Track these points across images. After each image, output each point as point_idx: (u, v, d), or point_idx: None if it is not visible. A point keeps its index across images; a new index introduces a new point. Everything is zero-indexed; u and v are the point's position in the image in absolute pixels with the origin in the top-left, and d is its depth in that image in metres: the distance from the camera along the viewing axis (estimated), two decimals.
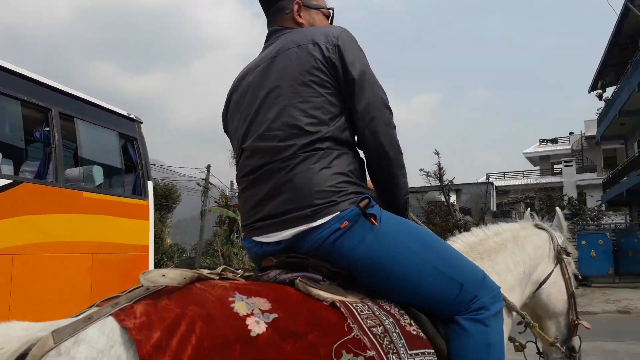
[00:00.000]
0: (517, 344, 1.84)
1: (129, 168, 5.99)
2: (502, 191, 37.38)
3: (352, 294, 1.35)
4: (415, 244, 1.39)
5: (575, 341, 2.05)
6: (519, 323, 1.88)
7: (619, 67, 21.74)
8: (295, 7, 1.60)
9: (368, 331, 1.22)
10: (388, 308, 1.34)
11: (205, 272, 1.22)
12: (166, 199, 25.12)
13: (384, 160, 1.47)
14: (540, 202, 25.34)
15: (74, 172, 5.23)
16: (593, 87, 25.40)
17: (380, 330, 1.24)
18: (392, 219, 1.42)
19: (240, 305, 1.11)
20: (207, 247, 25.34)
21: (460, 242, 1.85)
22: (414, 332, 1.32)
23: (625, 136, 24.70)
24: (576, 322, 2.02)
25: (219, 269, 1.30)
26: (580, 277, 2.20)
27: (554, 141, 42.79)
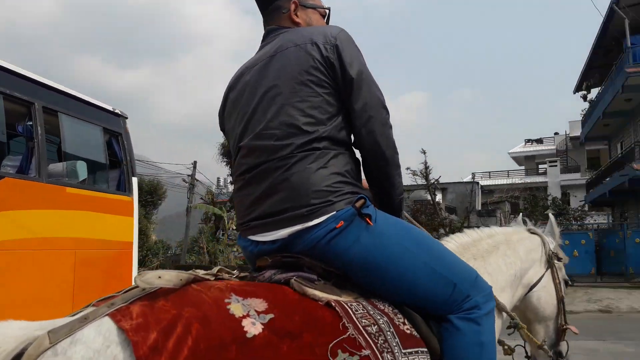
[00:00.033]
0: (506, 347, 1.86)
1: (114, 164, 5.92)
2: (488, 190, 37.75)
3: (346, 294, 1.35)
4: (409, 243, 1.40)
5: (563, 346, 2.09)
6: (509, 327, 1.90)
7: (603, 69, 22.05)
8: (292, 6, 1.60)
9: (363, 330, 1.23)
10: (382, 307, 1.35)
11: (201, 272, 1.23)
12: (151, 195, 24.95)
13: (381, 160, 1.47)
14: (525, 201, 25.63)
15: (57, 167, 5.15)
16: (578, 88, 25.73)
17: (374, 330, 1.25)
18: (387, 219, 1.43)
19: (236, 307, 1.11)
20: (193, 244, 25.21)
21: (453, 242, 1.87)
22: (408, 331, 1.33)
23: (608, 137, 25.07)
24: (565, 326, 2.06)
25: (215, 270, 1.30)
26: (570, 282, 2.24)
27: (539, 141, 43.32)
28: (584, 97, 25.74)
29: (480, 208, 31.08)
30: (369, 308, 1.32)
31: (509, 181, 39.52)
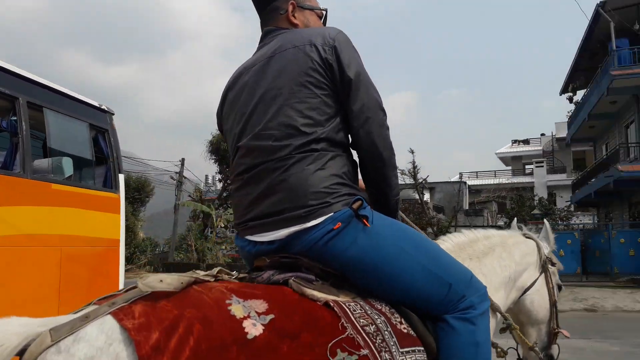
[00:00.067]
0: (498, 349, 1.88)
1: (100, 160, 5.86)
2: (475, 190, 38.06)
3: (344, 294, 1.36)
4: (406, 244, 1.41)
5: (554, 349, 2.13)
6: (502, 330, 1.93)
7: (589, 71, 22.31)
8: (290, 7, 1.61)
9: (361, 330, 1.24)
10: (379, 307, 1.37)
11: (201, 273, 1.24)
12: (139, 192, 24.75)
13: (378, 161, 1.48)
14: (512, 201, 25.86)
15: (43, 163, 5.08)
16: (564, 90, 25.99)
17: (372, 329, 1.27)
18: (384, 220, 1.44)
19: (237, 308, 1.12)
20: (181, 241, 25.09)
21: (450, 242, 1.90)
22: (405, 331, 1.35)
23: (594, 139, 25.38)
24: (556, 330, 2.10)
25: (215, 271, 1.31)
26: (563, 287, 2.27)
27: (526, 142, 43.72)
28: (570, 99, 26.02)
29: (467, 207, 31.32)
30: (367, 308, 1.33)
31: (496, 181, 39.89)
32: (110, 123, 6.01)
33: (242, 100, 1.52)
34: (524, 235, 2.21)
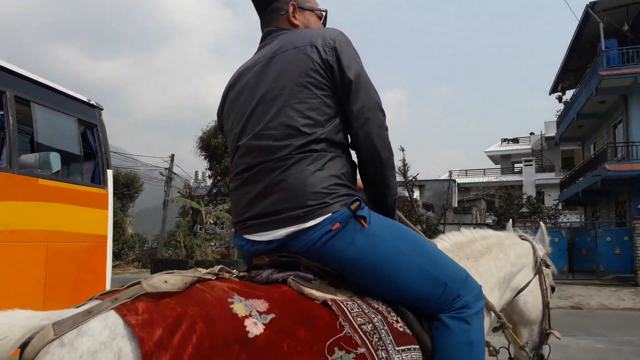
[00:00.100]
0: (491, 348, 1.90)
1: (88, 155, 5.81)
2: (464, 188, 38.29)
3: (341, 292, 1.38)
4: (403, 245, 1.43)
5: (545, 350, 2.15)
6: (495, 329, 1.96)
7: (578, 71, 22.50)
8: (291, 8, 1.62)
9: (358, 329, 1.26)
10: (376, 306, 1.38)
11: (203, 272, 1.25)
12: (128, 188, 24.60)
13: (377, 162, 1.50)
14: (500, 199, 26.01)
15: (30, 158, 5.03)
16: (553, 90, 26.21)
17: (369, 328, 1.28)
18: (382, 221, 1.45)
19: (239, 307, 1.13)
20: (170, 238, 24.97)
21: (448, 241, 1.93)
22: (401, 329, 1.37)
23: (582, 138, 25.62)
24: (548, 331, 2.13)
25: (216, 269, 1.32)
26: (555, 289, 2.30)
27: (515, 141, 44.02)
28: (559, 99, 26.25)
29: (456, 205, 31.49)
30: (364, 307, 1.35)
31: (485, 179, 40.19)
32: (99, 118, 5.96)
33: (242, 100, 1.52)
34: (520, 236, 2.24)
